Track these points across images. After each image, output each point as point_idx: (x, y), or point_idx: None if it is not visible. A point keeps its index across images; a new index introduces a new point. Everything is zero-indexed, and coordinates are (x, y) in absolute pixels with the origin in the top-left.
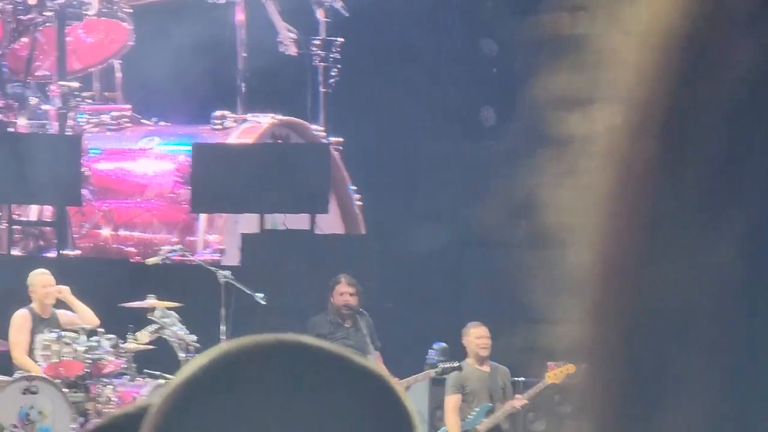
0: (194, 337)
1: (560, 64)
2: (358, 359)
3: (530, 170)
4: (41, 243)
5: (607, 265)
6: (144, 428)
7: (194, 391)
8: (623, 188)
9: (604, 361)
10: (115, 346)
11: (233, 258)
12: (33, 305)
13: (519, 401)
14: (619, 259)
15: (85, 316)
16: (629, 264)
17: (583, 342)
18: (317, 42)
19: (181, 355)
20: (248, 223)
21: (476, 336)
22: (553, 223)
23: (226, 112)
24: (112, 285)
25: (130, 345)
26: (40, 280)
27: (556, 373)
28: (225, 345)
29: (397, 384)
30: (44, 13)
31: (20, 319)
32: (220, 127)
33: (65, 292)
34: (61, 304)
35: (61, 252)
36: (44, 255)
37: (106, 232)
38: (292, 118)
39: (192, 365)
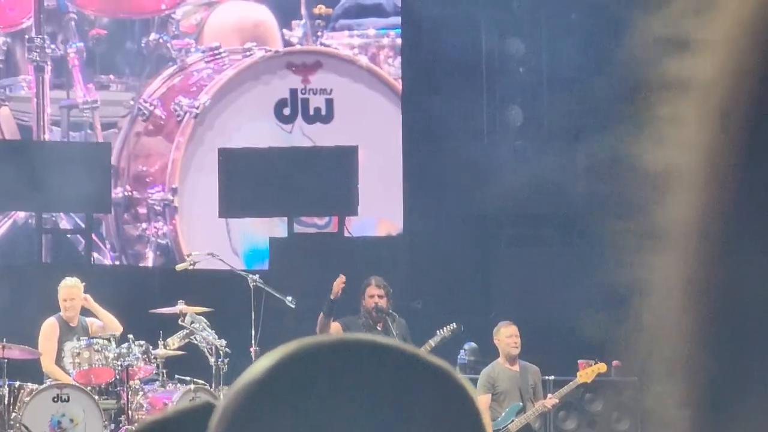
0: (224, 342)
1: (662, 7)
2: (432, 358)
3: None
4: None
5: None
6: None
7: (259, 392)
8: (722, 141)
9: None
10: (145, 353)
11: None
12: (61, 313)
13: (550, 401)
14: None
15: (109, 323)
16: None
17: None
18: None
19: (212, 360)
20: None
21: (507, 335)
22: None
23: None
24: (142, 291)
25: (161, 351)
26: (66, 291)
27: (587, 372)
28: (290, 344)
29: (469, 384)
30: None
31: (48, 327)
32: None
33: (89, 300)
34: (88, 311)
35: (91, 259)
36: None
37: None
38: None
39: (256, 365)
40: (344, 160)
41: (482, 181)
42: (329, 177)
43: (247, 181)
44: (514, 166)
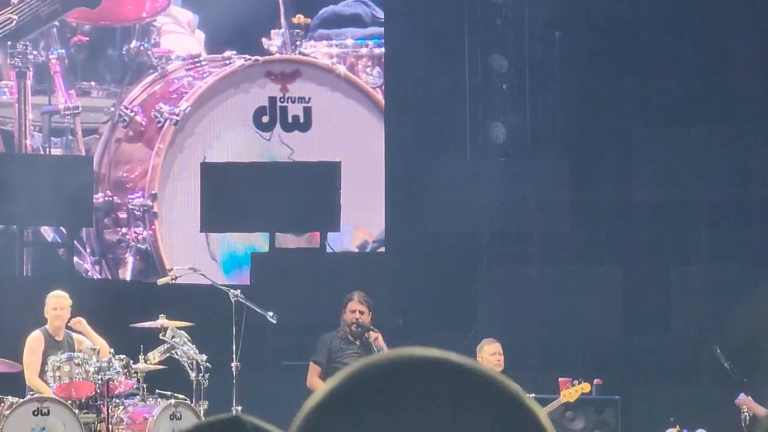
0: (205, 357)
1: None
2: (504, 380)
3: None
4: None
5: None
6: None
7: (325, 412)
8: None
9: None
10: (126, 367)
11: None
12: (47, 326)
13: None
14: None
15: (103, 348)
16: None
17: None
18: None
19: (192, 374)
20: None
21: (490, 353)
22: None
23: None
24: (123, 305)
25: (141, 365)
26: (52, 302)
27: (571, 392)
28: (357, 364)
29: (535, 402)
30: None
31: (33, 340)
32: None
33: (83, 323)
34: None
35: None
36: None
37: None
38: None
39: (325, 385)
40: (327, 175)
41: (465, 197)
42: (311, 192)
43: (229, 196)
44: (497, 183)
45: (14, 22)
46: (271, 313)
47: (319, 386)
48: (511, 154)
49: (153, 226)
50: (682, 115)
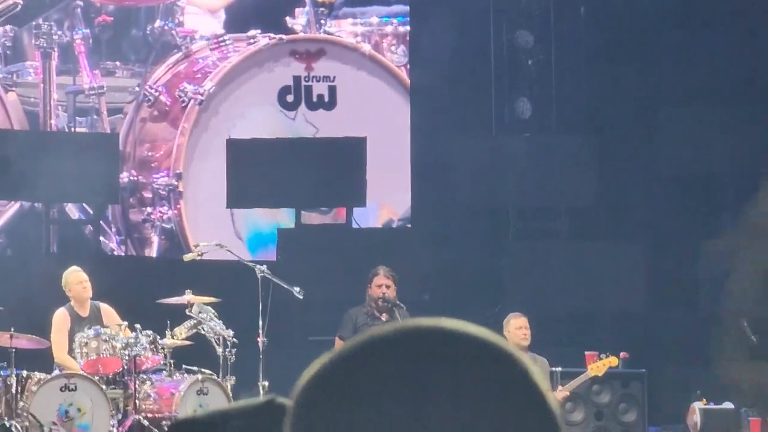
0: (231, 332)
1: None
2: (502, 343)
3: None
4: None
5: None
6: (286, 422)
7: (325, 383)
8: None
9: None
10: (152, 343)
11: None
12: (71, 303)
13: (561, 393)
14: None
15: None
16: None
17: None
18: None
19: (219, 350)
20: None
21: (516, 327)
22: None
23: None
24: (150, 281)
25: (168, 341)
26: (75, 276)
27: (599, 365)
28: (356, 338)
29: (536, 373)
30: None
31: (59, 319)
32: None
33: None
34: (102, 297)
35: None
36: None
37: None
38: None
39: (321, 359)
40: (353, 151)
41: (491, 173)
42: (337, 168)
43: (255, 172)
44: (522, 159)
45: (19, 6)
46: (297, 289)
47: None
48: (537, 129)
49: (178, 206)
50: (709, 90)
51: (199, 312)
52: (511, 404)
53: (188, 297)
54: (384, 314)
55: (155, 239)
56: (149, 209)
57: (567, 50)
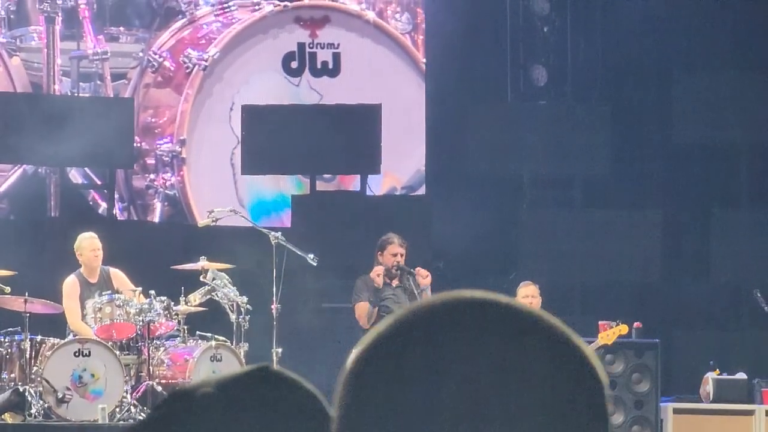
0: (245, 299)
1: None
2: (551, 320)
3: None
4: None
5: None
6: (338, 388)
7: (372, 356)
8: None
9: None
10: (166, 308)
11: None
12: (81, 270)
13: None
14: None
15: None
16: None
17: None
18: None
19: (233, 316)
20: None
21: (522, 295)
22: None
23: None
24: (163, 247)
25: (182, 307)
26: (90, 243)
27: (608, 334)
28: (405, 308)
29: (582, 341)
30: None
31: (69, 286)
32: None
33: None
34: (114, 262)
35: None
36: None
37: None
38: None
39: (372, 331)
40: (367, 117)
41: (506, 140)
42: (352, 135)
43: (269, 138)
44: (537, 126)
45: None
46: (311, 256)
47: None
48: (552, 97)
49: (181, 172)
50: (724, 58)
51: (213, 278)
52: (563, 380)
53: (202, 263)
54: (394, 281)
55: (158, 206)
56: (152, 176)
57: (583, 17)
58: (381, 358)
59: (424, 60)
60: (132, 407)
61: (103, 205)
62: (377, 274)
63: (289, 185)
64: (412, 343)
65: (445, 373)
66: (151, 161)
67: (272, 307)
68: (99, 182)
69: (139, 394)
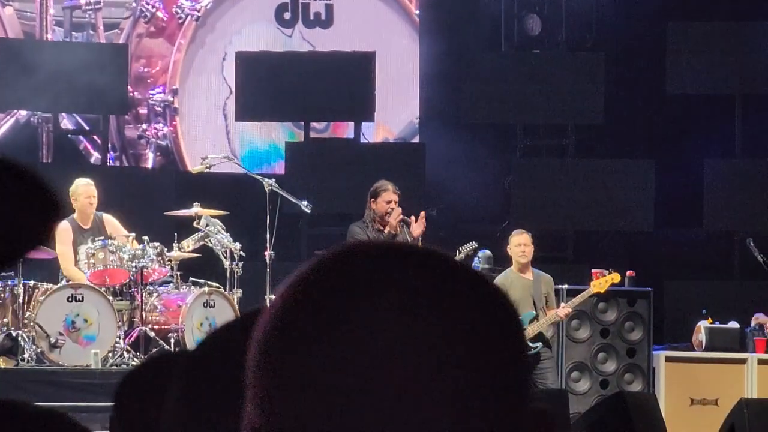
0: (239, 245)
1: None
2: (468, 266)
3: None
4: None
5: None
6: (259, 322)
7: (309, 289)
8: None
9: None
10: (160, 255)
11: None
12: (74, 215)
13: (563, 310)
14: None
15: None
16: None
17: None
18: None
19: (226, 263)
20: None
21: (515, 244)
22: None
23: None
24: (157, 194)
25: (175, 253)
26: (86, 190)
27: (601, 282)
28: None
29: (505, 291)
30: None
31: (62, 232)
32: None
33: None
34: (107, 208)
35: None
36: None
37: None
38: None
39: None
40: (361, 65)
41: (499, 89)
42: (346, 82)
43: (264, 86)
44: (531, 75)
45: None
46: (305, 203)
47: None
48: (546, 46)
49: (174, 122)
50: (718, 8)
51: (207, 225)
52: (487, 331)
53: (196, 210)
54: (386, 229)
55: (150, 155)
56: (144, 125)
57: None
58: (319, 285)
59: (417, 11)
60: (125, 352)
61: (96, 154)
62: (395, 218)
63: (281, 135)
64: (348, 273)
65: (385, 307)
66: (143, 111)
67: (265, 253)
68: (91, 131)
69: (132, 339)
